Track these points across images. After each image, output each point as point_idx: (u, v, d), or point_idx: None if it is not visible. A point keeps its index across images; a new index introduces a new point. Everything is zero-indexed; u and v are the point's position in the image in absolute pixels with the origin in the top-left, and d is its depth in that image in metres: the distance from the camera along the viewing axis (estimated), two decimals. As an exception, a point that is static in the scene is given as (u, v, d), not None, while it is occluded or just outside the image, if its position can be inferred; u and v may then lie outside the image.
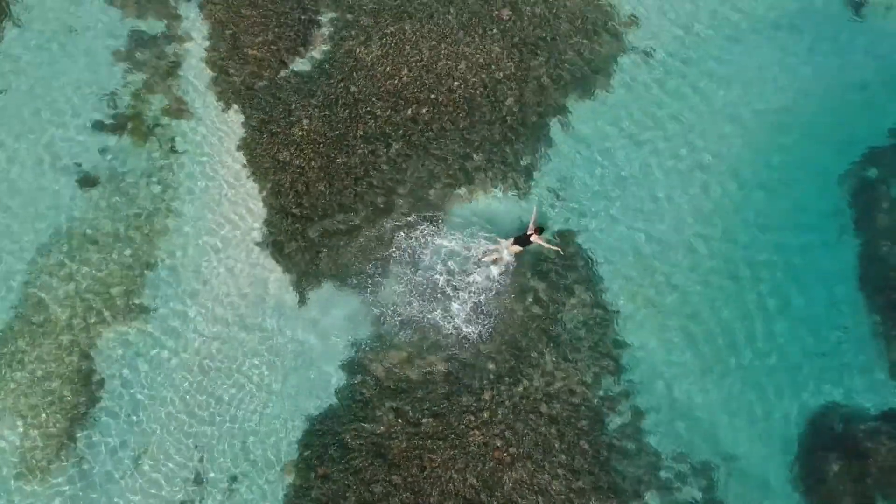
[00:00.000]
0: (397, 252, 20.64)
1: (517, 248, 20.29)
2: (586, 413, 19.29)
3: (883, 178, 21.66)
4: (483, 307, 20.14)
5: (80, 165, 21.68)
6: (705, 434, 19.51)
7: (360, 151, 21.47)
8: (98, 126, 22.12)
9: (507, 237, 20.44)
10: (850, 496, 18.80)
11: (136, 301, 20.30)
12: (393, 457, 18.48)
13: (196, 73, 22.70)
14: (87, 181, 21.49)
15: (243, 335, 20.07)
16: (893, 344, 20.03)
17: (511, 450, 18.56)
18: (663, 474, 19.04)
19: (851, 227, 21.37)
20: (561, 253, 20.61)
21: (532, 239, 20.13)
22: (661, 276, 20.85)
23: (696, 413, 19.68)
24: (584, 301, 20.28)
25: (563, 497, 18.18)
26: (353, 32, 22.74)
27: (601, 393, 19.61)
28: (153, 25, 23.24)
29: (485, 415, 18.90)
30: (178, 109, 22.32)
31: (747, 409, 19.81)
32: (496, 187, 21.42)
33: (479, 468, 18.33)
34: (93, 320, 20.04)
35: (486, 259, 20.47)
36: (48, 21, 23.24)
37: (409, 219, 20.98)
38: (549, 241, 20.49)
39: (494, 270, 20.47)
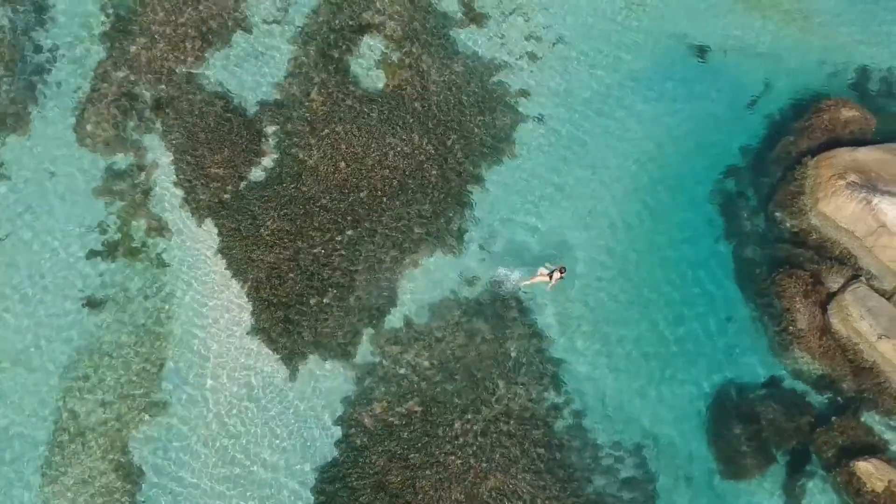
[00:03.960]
0: (365, 320, 24.94)
1: (546, 279, 24.63)
2: (537, 423, 23.85)
3: (741, 191, 26.66)
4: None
5: (83, 291, 25.28)
6: (633, 422, 24.16)
7: (318, 241, 25.59)
8: (93, 254, 25.59)
9: (544, 266, 24.82)
10: (750, 450, 23.58)
11: (155, 398, 24.11)
12: (392, 489, 22.82)
13: (168, 195, 26.26)
14: (93, 304, 25.03)
15: (249, 406, 24.01)
16: (768, 327, 24.97)
17: (483, 465, 23.15)
18: (605, 461, 23.67)
19: (723, 234, 26.31)
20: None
21: (555, 275, 24.35)
22: (579, 300, 25.43)
23: (623, 406, 24.33)
24: (522, 333, 24.83)
25: (529, 495, 22.78)
26: (294, 140, 26.86)
27: (547, 405, 24.19)
28: (123, 159, 26.72)
29: (459, 441, 23.40)
30: (159, 228, 25.90)
31: (663, 395, 24.55)
32: (436, 252, 25.72)
33: (461, 485, 22.81)
34: (124, 419, 23.80)
35: (528, 283, 25.07)
36: (33, 170, 26.47)
37: (370, 290, 25.24)
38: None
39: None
